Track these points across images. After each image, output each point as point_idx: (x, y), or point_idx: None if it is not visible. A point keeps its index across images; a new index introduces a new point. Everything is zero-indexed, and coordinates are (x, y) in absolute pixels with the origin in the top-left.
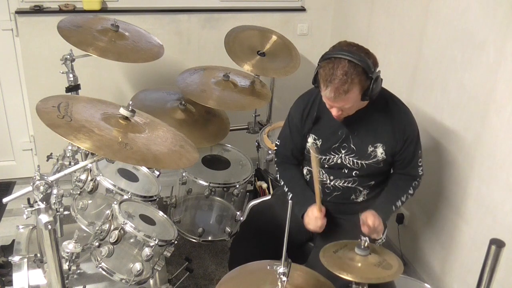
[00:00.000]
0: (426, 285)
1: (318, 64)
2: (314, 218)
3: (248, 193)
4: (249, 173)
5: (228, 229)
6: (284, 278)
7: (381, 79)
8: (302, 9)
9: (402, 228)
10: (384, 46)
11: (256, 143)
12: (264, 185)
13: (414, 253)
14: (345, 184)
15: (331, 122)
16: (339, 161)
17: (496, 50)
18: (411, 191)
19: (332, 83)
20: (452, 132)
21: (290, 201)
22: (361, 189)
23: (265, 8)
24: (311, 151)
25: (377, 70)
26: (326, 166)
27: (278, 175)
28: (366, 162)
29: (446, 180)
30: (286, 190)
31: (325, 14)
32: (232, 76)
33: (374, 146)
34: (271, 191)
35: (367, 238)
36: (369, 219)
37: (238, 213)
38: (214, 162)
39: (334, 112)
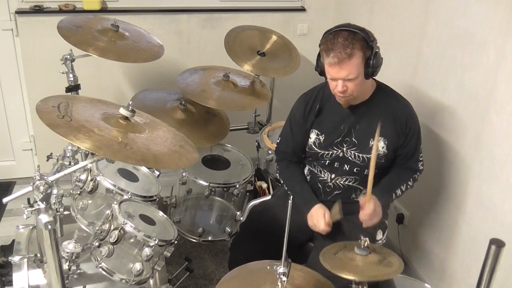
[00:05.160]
0: (426, 285)
1: (320, 46)
2: (319, 224)
3: (248, 193)
4: (249, 173)
5: (228, 229)
6: (284, 278)
7: (382, 58)
8: (302, 9)
9: (402, 228)
10: (384, 46)
11: (256, 143)
12: (264, 185)
13: (414, 253)
14: (345, 183)
15: (333, 117)
16: (341, 154)
17: (496, 50)
18: (410, 183)
19: (335, 50)
20: (452, 132)
21: (290, 201)
22: (362, 188)
23: (265, 8)
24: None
25: (376, 45)
26: (328, 161)
27: (278, 173)
28: (368, 156)
29: (446, 180)
30: (286, 189)
31: (325, 14)
32: (232, 76)
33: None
34: (271, 191)
35: (367, 238)
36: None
37: (238, 213)
38: (214, 162)
39: (339, 87)
